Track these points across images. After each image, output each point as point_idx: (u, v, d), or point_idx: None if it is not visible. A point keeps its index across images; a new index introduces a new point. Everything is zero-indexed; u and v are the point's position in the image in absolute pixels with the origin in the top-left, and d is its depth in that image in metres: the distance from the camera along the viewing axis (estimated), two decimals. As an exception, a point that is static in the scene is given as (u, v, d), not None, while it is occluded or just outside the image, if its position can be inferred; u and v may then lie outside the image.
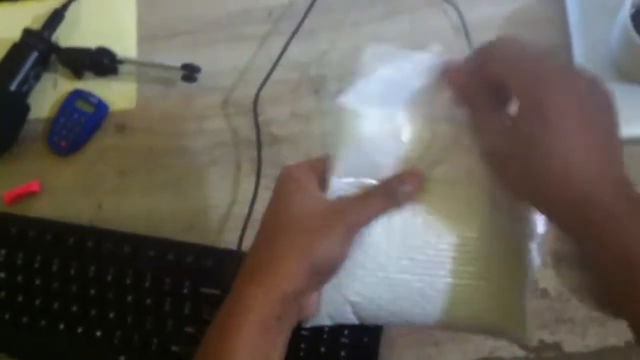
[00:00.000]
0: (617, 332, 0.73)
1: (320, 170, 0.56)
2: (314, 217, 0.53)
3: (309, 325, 0.57)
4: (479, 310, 0.55)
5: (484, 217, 0.55)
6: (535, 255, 0.56)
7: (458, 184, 0.56)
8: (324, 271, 0.53)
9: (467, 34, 0.86)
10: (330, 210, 0.53)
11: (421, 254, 0.55)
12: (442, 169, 0.56)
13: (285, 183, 0.56)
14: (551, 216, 0.51)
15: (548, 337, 0.74)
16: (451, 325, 0.57)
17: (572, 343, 0.74)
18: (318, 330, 0.73)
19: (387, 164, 0.56)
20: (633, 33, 0.73)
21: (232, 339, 0.50)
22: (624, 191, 0.47)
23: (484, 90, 0.52)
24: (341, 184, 0.55)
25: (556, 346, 0.74)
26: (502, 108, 0.53)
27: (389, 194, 0.54)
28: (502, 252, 0.55)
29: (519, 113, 0.49)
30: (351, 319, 0.57)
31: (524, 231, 0.56)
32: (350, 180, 0.56)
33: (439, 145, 0.56)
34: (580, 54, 0.82)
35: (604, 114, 0.49)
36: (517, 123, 0.50)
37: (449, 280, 0.55)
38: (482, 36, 0.84)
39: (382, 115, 0.55)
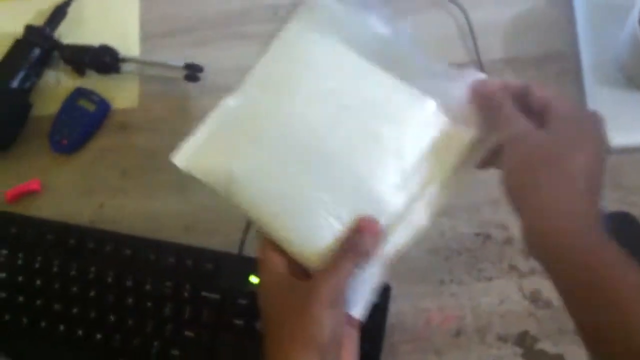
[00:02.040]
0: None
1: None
2: (295, 315, 0.54)
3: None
4: None
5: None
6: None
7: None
8: (334, 345, 0.54)
9: (472, 36, 0.85)
10: (307, 296, 0.54)
11: None
12: None
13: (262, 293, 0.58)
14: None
15: (550, 348, 0.74)
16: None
17: (574, 354, 0.73)
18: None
19: None
20: (642, 40, 0.73)
21: None
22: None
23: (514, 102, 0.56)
24: None
25: (559, 357, 0.74)
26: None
27: (355, 252, 0.55)
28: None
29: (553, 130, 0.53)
30: None
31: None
32: None
33: None
34: (587, 59, 0.81)
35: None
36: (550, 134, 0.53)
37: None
38: (488, 38, 0.85)
39: None
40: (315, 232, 0.56)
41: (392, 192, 0.56)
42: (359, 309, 0.58)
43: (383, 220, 0.56)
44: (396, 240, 0.57)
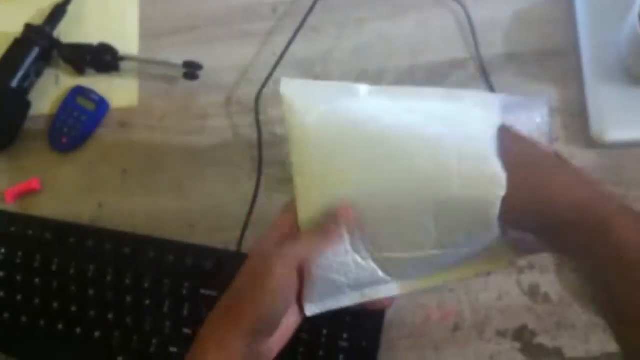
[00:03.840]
0: (620, 339, 0.73)
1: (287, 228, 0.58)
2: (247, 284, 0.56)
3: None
4: None
5: None
6: None
7: None
8: (267, 328, 0.55)
9: (473, 33, 0.85)
10: (269, 258, 0.55)
11: None
12: None
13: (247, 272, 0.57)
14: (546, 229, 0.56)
15: (549, 342, 0.74)
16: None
17: (573, 348, 0.73)
18: (316, 334, 0.72)
19: None
20: (641, 35, 0.72)
21: None
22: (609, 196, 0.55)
23: None
24: None
25: (557, 351, 0.73)
26: None
27: (326, 233, 0.56)
28: None
29: None
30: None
31: None
32: None
33: None
34: (587, 55, 0.81)
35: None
36: None
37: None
38: (489, 34, 0.84)
39: None
40: None
41: None
42: (312, 307, 0.58)
43: None
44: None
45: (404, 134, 0.57)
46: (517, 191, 0.55)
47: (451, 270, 0.60)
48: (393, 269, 0.59)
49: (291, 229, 0.58)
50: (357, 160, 0.57)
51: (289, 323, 0.58)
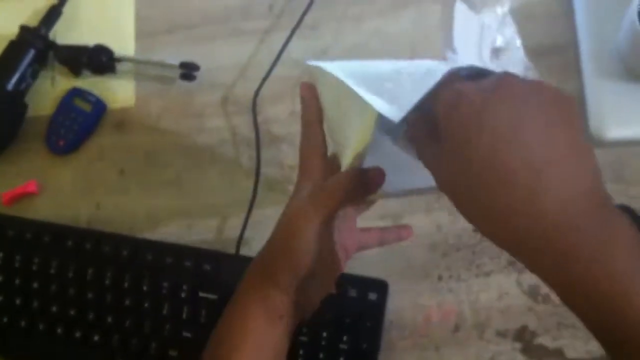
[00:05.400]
0: (621, 338, 0.73)
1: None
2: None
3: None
4: None
5: None
6: None
7: None
8: (309, 274, 0.54)
9: (472, 28, 0.84)
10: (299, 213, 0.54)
11: None
12: None
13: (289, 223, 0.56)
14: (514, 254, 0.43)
15: (550, 343, 0.73)
16: None
17: (574, 349, 0.73)
18: (316, 336, 0.72)
19: None
20: (641, 31, 0.71)
21: (240, 336, 0.54)
22: (598, 203, 0.41)
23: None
24: None
25: (558, 352, 0.73)
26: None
27: (359, 188, 0.54)
28: None
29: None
30: None
31: None
32: None
33: None
34: (586, 51, 0.80)
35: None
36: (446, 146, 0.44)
37: None
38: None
39: None
40: None
41: None
42: (396, 110, 0.47)
43: None
44: None
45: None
46: (457, 184, 0.44)
47: None
48: None
49: (322, 173, 0.56)
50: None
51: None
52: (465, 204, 0.44)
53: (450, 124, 0.43)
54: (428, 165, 0.47)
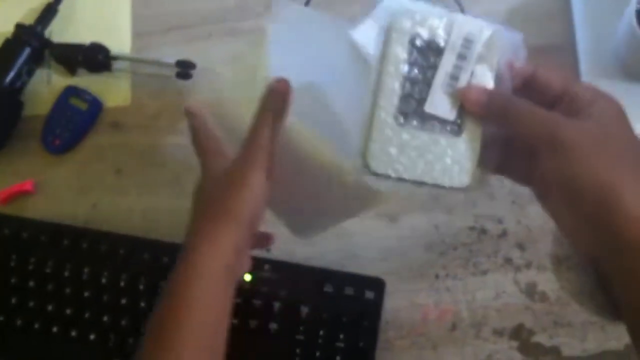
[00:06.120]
0: (617, 336, 0.73)
1: None
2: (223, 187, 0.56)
3: None
4: None
5: None
6: None
7: None
8: (255, 219, 0.56)
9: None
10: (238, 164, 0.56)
11: None
12: None
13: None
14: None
15: (546, 341, 0.74)
16: None
17: (570, 347, 0.73)
18: (313, 335, 0.72)
19: None
20: (639, 31, 0.71)
21: (192, 288, 0.54)
22: None
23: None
24: None
25: (554, 350, 0.73)
26: None
27: (267, 108, 0.56)
28: None
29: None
30: None
31: None
32: None
33: None
34: (584, 51, 0.81)
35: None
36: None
37: None
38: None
39: None
40: None
41: None
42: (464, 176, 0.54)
43: None
44: None
45: None
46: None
47: None
48: None
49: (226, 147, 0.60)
50: None
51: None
52: None
53: None
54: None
